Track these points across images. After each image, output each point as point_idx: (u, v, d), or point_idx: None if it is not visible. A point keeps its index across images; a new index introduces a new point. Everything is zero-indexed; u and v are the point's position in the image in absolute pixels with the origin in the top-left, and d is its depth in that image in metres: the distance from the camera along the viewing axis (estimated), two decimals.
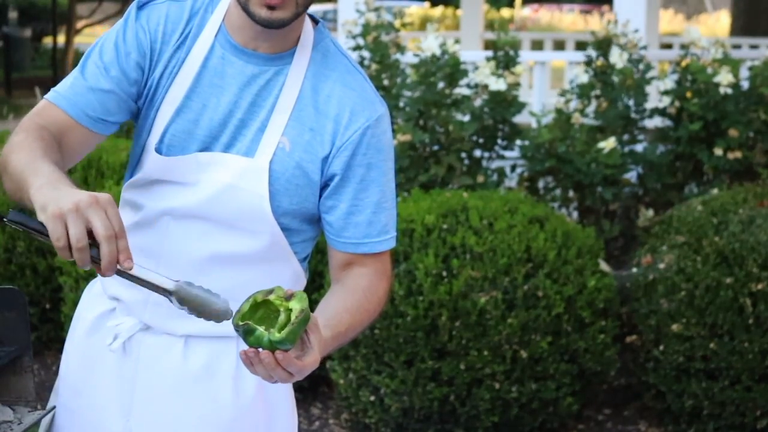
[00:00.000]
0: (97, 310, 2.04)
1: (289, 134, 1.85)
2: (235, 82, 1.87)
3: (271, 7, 1.77)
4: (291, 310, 1.61)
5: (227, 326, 1.90)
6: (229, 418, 1.95)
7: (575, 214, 5.11)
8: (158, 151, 1.88)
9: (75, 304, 4.30)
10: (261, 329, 1.59)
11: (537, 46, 12.42)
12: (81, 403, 2.04)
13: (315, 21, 1.94)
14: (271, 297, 1.63)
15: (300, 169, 1.86)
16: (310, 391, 4.58)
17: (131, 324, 1.98)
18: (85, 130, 1.86)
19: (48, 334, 5.04)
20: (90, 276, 4.27)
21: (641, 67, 5.16)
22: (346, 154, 1.86)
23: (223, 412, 1.94)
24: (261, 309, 1.63)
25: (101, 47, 1.89)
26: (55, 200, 1.55)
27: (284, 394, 2.03)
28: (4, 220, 1.65)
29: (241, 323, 1.61)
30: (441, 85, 5.01)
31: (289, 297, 1.63)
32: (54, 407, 2.08)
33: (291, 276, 1.96)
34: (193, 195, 1.87)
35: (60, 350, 5.06)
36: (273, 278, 1.92)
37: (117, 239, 1.57)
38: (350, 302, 1.85)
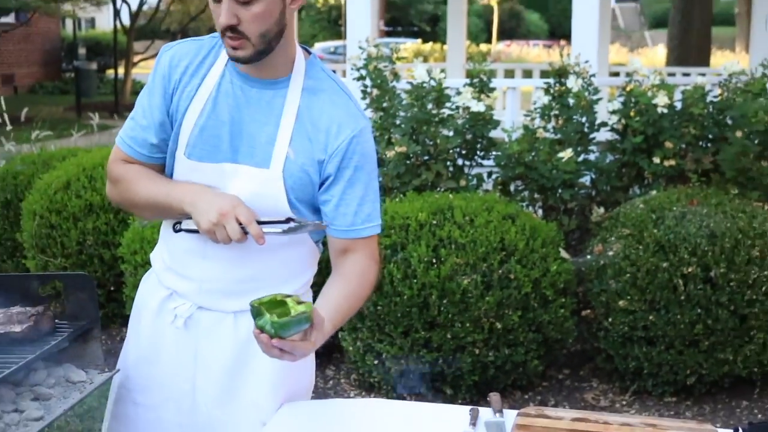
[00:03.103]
0: (159, 297, 2.05)
1: (293, 145, 1.88)
2: (243, 102, 1.90)
3: (234, 48, 1.82)
4: (297, 310, 1.68)
5: None
6: (270, 371, 1.97)
7: (540, 212, 5.11)
8: (185, 155, 1.93)
9: (134, 286, 4.34)
10: (267, 314, 1.67)
11: (509, 74, 12.44)
12: (153, 371, 2.06)
13: (309, 53, 1.97)
14: (288, 299, 1.70)
15: (303, 172, 1.89)
16: (325, 357, 4.60)
17: (188, 306, 2.00)
18: (142, 162, 1.98)
19: (113, 310, 5.06)
20: (146, 264, 4.29)
21: (591, 90, 5.17)
22: (337, 159, 1.88)
23: (266, 366, 1.96)
24: (279, 307, 1.69)
25: (144, 91, 1.98)
26: (205, 215, 1.82)
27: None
28: (175, 228, 1.96)
29: (255, 305, 1.68)
30: (430, 106, 5.01)
31: (300, 303, 1.71)
32: (118, 370, 2.10)
33: (308, 252, 2.01)
34: None
35: (122, 324, 5.09)
36: (295, 256, 1.98)
37: (248, 229, 1.80)
38: (346, 290, 1.90)
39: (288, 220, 1.84)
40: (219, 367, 1.98)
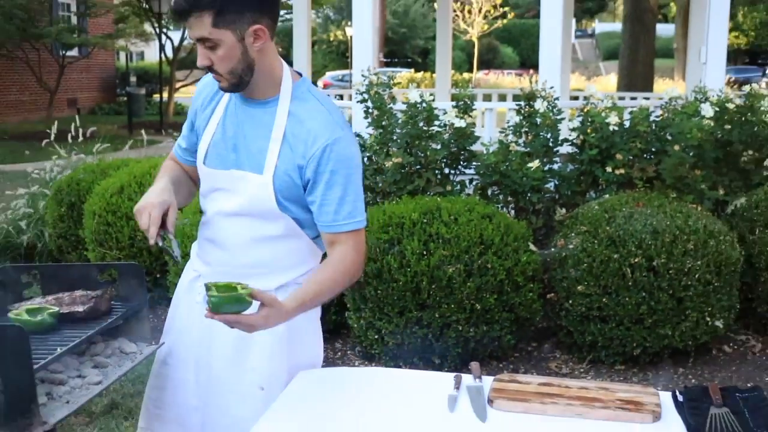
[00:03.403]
0: (189, 277, 2.08)
1: (280, 155, 1.87)
2: (243, 119, 1.93)
3: (217, 81, 1.88)
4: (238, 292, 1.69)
5: (267, 285, 1.91)
6: (271, 343, 1.95)
7: (512, 212, 5.11)
8: (204, 163, 1.98)
9: (176, 273, 4.33)
10: (213, 292, 1.68)
11: (487, 98, 12.42)
12: (181, 338, 2.08)
13: (299, 75, 1.96)
14: (238, 285, 1.70)
15: (288, 176, 1.87)
16: (335, 332, 4.60)
17: None
18: (183, 164, 2.10)
19: (158, 294, 5.06)
20: (186, 255, 4.28)
21: (555, 111, 5.17)
22: (313, 164, 1.85)
23: (267, 339, 1.94)
24: (232, 290, 1.69)
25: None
26: (137, 204, 1.89)
27: (312, 330, 2.05)
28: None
29: (208, 285, 1.69)
30: (421, 124, 5.01)
31: (244, 289, 1.70)
32: (163, 342, 2.11)
33: (306, 247, 1.97)
34: (232, 200, 1.92)
35: (166, 305, 5.10)
36: (293, 248, 1.96)
37: (149, 230, 1.83)
38: (320, 276, 1.86)
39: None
40: (229, 337, 1.97)
